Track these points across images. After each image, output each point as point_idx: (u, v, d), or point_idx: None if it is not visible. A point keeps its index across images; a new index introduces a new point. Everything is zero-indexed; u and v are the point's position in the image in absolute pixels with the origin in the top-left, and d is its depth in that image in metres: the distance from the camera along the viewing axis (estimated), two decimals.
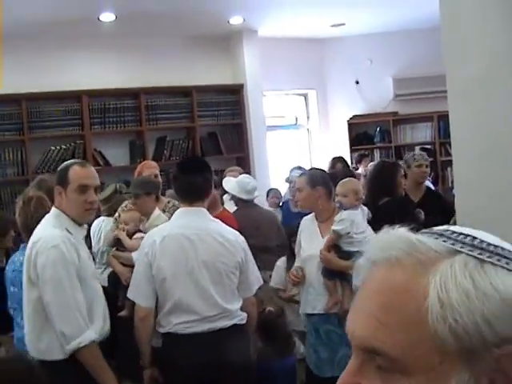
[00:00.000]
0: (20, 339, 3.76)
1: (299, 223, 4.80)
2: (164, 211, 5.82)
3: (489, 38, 3.26)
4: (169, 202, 5.95)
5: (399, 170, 5.86)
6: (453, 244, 0.88)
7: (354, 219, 4.43)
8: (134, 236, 5.11)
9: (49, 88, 7.93)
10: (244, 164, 9.44)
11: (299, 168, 8.43)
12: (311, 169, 5.82)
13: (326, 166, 9.11)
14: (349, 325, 0.92)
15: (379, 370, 0.87)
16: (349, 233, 4.39)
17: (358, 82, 10.73)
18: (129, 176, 8.45)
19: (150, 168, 6.15)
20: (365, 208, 4.79)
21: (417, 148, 10.43)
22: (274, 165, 10.09)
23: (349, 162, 10.73)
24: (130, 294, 3.92)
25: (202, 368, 3.73)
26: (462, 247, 0.88)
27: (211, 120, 9.40)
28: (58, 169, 3.61)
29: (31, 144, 7.91)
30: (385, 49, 10.40)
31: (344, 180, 4.77)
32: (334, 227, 4.38)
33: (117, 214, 5.28)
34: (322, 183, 4.53)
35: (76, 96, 8.23)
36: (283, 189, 8.73)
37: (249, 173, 8.84)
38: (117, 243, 5.11)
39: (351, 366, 0.90)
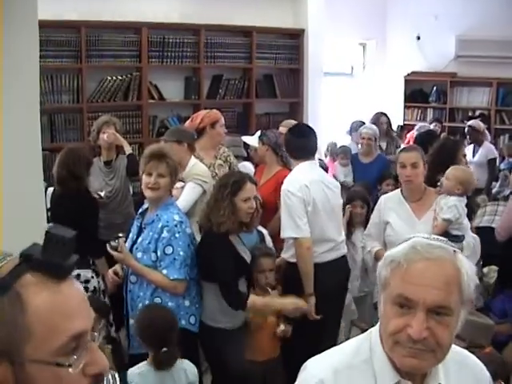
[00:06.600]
0: None
1: (377, 199, 5.13)
2: (216, 157, 5.89)
3: None
4: (219, 149, 5.99)
5: (461, 148, 5.84)
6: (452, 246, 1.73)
7: (461, 206, 4.58)
8: (174, 186, 5.09)
9: (109, 17, 7.77)
10: (297, 109, 9.37)
11: (363, 123, 8.35)
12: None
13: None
14: (418, 295, 1.62)
15: (435, 316, 1.62)
16: (458, 219, 4.56)
17: (419, 38, 10.50)
18: (181, 111, 8.47)
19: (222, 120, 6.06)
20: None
21: (471, 112, 10.26)
22: (325, 111, 9.97)
23: (401, 118, 10.62)
24: (291, 233, 4.55)
25: (340, 288, 4.82)
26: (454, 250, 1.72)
27: (268, 62, 9.28)
28: None
29: (87, 72, 7.77)
30: (451, 6, 10.07)
31: (460, 168, 4.77)
32: (444, 216, 4.53)
33: None
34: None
35: (136, 27, 8.04)
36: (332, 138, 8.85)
37: (301, 119, 8.82)
38: None
39: (420, 317, 1.61)
